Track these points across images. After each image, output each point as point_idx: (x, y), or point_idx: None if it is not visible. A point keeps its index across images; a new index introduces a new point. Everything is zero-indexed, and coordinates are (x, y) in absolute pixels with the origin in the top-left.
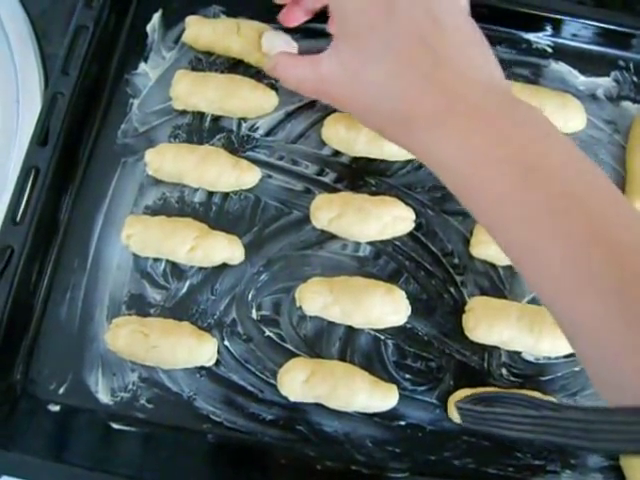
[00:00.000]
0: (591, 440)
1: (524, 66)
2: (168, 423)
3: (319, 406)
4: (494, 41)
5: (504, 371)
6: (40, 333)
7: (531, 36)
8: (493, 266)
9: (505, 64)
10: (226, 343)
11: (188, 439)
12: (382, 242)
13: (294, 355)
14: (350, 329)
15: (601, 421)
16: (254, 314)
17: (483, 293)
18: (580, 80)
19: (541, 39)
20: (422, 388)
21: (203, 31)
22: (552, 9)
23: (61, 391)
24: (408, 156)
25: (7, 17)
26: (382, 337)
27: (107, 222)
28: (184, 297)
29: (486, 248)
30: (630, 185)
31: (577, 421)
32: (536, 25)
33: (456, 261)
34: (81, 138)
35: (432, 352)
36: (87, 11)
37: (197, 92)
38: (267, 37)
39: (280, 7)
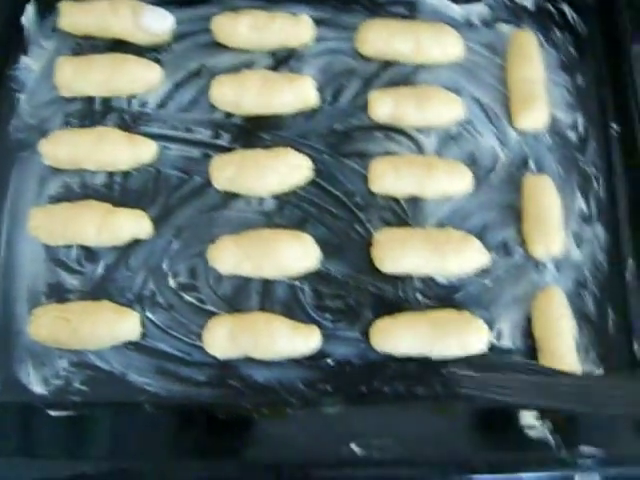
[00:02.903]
0: (590, 405)
1: (397, 4)
2: (105, 401)
3: (247, 359)
4: None
5: (419, 296)
6: None
7: None
8: (394, 199)
9: (380, 5)
10: (148, 314)
11: (127, 413)
12: (285, 194)
13: (215, 314)
14: (266, 281)
15: (597, 386)
16: (172, 282)
17: (388, 226)
18: (454, 9)
19: None
20: (343, 325)
21: (78, 16)
22: None
23: None
24: (297, 107)
25: None
26: (298, 284)
27: (13, 218)
28: (101, 278)
29: (384, 182)
30: (514, 101)
31: (574, 386)
32: None
33: (358, 200)
34: None
35: (348, 290)
36: None
37: (82, 77)
38: (143, 14)
39: None
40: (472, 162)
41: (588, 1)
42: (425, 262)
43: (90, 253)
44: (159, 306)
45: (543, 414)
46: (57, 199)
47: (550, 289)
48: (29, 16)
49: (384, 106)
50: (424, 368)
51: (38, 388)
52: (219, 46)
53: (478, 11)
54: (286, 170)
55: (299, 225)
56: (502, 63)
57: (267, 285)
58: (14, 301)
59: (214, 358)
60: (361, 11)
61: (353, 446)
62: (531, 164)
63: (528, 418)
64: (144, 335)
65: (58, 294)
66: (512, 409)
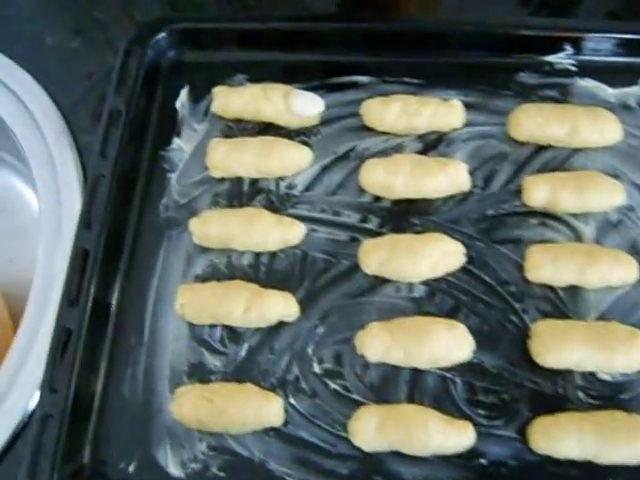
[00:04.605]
0: None
1: (551, 87)
2: None
3: (394, 454)
4: (516, 68)
5: (581, 394)
6: (105, 412)
7: (552, 58)
8: (552, 289)
9: (531, 89)
10: (291, 401)
11: None
12: (435, 280)
13: (362, 405)
14: (416, 371)
15: None
16: (316, 368)
17: (546, 317)
18: (609, 93)
19: (563, 59)
20: (498, 422)
21: (231, 100)
22: (568, 28)
23: (131, 469)
24: (449, 192)
25: (39, 112)
26: (449, 375)
27: (159, 296)
28: (244, 360)
29: (541, 271)
30: None
31: None
32: (554, 46)
33: (513, 289)
34: (125, 217)
35: (503, 384)
36: (118, 96)
37: (233, 158)
38: (294, 98)
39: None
40: (635, 251)
41: None
42: (588, 358)
43: (234, 334)
44: (302, 392)
45: None
46: (203, 278)
47: None
48: (183, 101)
49: (540, 191)
50: (589, 474)
51: (175, 471)
52: (368, 130)
53: (634, 93)
54: (440, 256)
55: (450, 313)
56: None
57: (417, 375)
58: (156, 378)
59: (359, 451)
60: (512, 95)
61: None
62: None
63: None
64: (286, 422)
65: (200, 374)
66: None
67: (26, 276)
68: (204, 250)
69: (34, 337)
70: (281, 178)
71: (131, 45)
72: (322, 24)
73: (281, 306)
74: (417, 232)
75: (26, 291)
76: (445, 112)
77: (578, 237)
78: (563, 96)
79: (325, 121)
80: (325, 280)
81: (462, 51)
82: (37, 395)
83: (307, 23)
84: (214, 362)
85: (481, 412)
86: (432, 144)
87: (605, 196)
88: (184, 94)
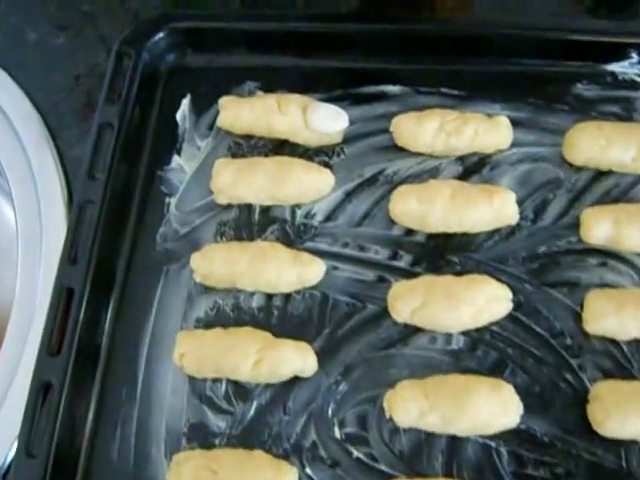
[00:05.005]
0: None
1: (612, 102)
2: None
3: None
4: (572, 79)
5: None
6: (90, 477)
7: (615, 67)
8: (614, 342)
9: (590, 103)
10: (308, 471)
11: None
12: (477, 330)
13: (391, 477)
14: (453, 439)
15: None
16: (337, 433)
17: (607, 376)
18: None
19: (627, 68)
20: None
21: (240, 112)
22: (634, 32)
23: None
24: (494, 225)
25: (18, 119)
26: (493, 444)
27: (155, 342)
28: (253, 421)
29: (603, 322)
30: None
31: None
32: (619, 53)
33: (568, 341)
34: (116, 249)
35: (556, 455)
36: (109, 106)
37: (242, 182)
38: (314, 111)
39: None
40: None
41: None
42: None
43: (242, 390)
44: (321, 461)
45: None
46: (206, 322)
47: None
48: (184, 112)
49: (600, 226)
50: None
51: None
52: (399, 150)
53: None
54: (482, 302)
55: (494, 370)
56: None
57: (455, 443)
58: (150, 440)
59: None
60: (567, 111)
61: None
62: None
63: None
64: None
65: (201, 437)
66: None
67: (6, 299)
68: (207, 290)
69: (8, 387)
70: (297, 206)
71: (125, 46)
72: (346, 25)
73: (297, 359)
74: (456, 272)
75: (4, 321)
76: (490, 130)
77: None
78: (627, 112)
79: (349, 139)
80: (348, 328)
81: (509, 58)
82: (11, 452)
83: (329, 23)
84: (218, 423)
85: None
86: (474, 168)
87: None
88: (185, 104)
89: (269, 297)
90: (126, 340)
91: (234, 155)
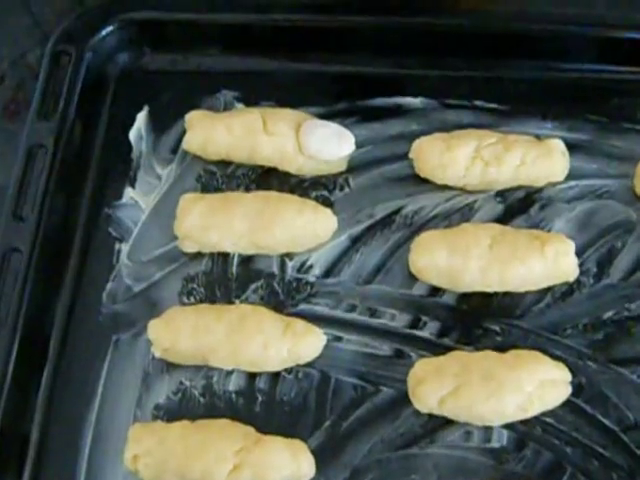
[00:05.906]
0: None
1: None
2: None
3: None
4: None
5: None
6: None
7: None
8: None
9: None
10: None
11: None
12: (525, 422)
13: None
14: None
15: None
16: None
17: None
18: None
19: None
20: None
21: (213, 132)
22: None
23: None
24: (545, 282)
25: None
26: None
27: (100, 437)
28: None
29: None
30: None
31: None
32: None
33: None
34: (49, 313)
35: None
36: (42, 123)
37: (215, 224)
38: (310, 131)
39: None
40: None
41: None
42: None
43: None
44: None
45: None
46: (168, 411)
47: None
48: (140, 130)
49: None
50: None
51: None
52: (421, 182)
53: None
54: (534, 388)
55: (548, 476)
56: None
57: None
58: None
59: None
60: (637, 132)
61: None
62: None
63: None
64: None
65: None
66: None
67: None
68: (170, 367)
69: None
70: (288, 256)
71: (63, 43)
72: (350, 17)
73: (288, 462)
74: (497, 346)
75: None
76: (539, 157)
77: None
78: None
79: (356, 167)
80: (355, 419)
81: (563, 62)
82: None
83: (328, 15)
84: None
85: None
86: (519, 206)
87: None
88: (141, 120)
89: (252, 377)
90: (62, 434)
91: (205, 188)
